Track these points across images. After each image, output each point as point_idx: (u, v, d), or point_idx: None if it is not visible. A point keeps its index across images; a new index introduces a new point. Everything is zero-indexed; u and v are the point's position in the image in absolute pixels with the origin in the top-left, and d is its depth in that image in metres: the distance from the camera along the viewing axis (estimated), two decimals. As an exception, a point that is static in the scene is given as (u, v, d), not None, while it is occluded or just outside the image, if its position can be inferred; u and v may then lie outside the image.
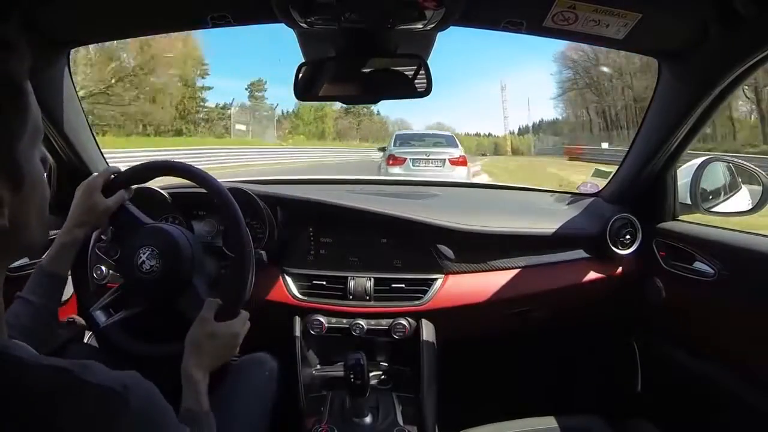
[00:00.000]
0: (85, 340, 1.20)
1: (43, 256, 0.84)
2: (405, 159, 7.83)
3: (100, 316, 0.92)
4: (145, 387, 0.44)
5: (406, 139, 8.94)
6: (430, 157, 7.84)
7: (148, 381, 0.46)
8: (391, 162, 7.92)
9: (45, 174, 0.48)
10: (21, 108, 0.43)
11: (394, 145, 8.56)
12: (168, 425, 0.47)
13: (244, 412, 0.92)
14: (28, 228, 0.46)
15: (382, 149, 9.20)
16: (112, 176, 0.91)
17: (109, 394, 0.40)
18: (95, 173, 0.90)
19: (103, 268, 1.12)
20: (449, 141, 8.94)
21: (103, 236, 1.03)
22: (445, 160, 7.80)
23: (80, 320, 1.17)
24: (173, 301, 0.90)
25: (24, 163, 0.44)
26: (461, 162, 7.82)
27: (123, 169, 0.95)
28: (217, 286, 0.97)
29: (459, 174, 7.60)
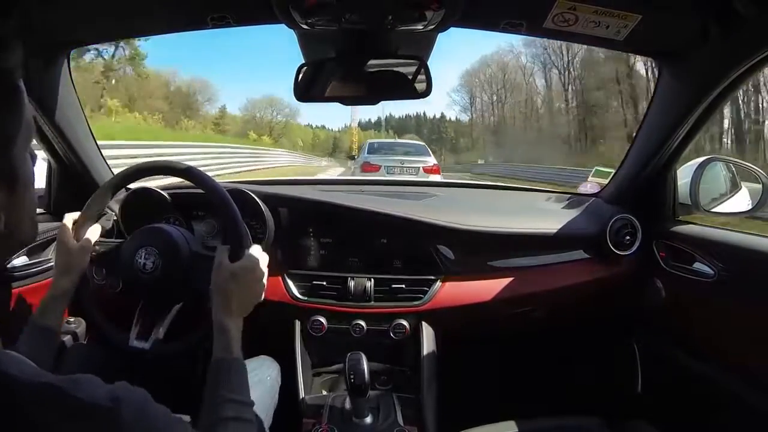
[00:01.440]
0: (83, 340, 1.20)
1: (35, 311, 0.83)
2: (379, 167, 8.05)
3: (140, 344, 0.91)
4: (136, 397, 0.44)
5: (377, 148, 9.24)
6: (404, 165, 8.09)
7: (139, 388, 0.45)
8: (365, 170, 8.12)
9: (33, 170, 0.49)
10: (17, 108, 0.43)
11: (367, 153, 8.82)
12: (166, 428, 0.46)
13: None
14: (21, 227, 0.46)
15: (352, 158, 9.56)
16: (74, 220, 0.90)
17: (100, 410, 0.40)
18: (63, 222, 0.89)
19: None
20: (420, 150, 9.24)
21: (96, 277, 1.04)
22: (419, 168, 8.05)
23: (79, 321, 1.17)
24: (190, 289, 0.90)
25: (19, 165, 0.44)
26: (434, 170, 8.12)
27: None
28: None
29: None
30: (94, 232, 0.91)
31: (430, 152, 9.17)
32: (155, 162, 0.96)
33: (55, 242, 0.88)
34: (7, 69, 0.42)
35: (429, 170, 8.07)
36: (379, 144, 9.99)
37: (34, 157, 0.49)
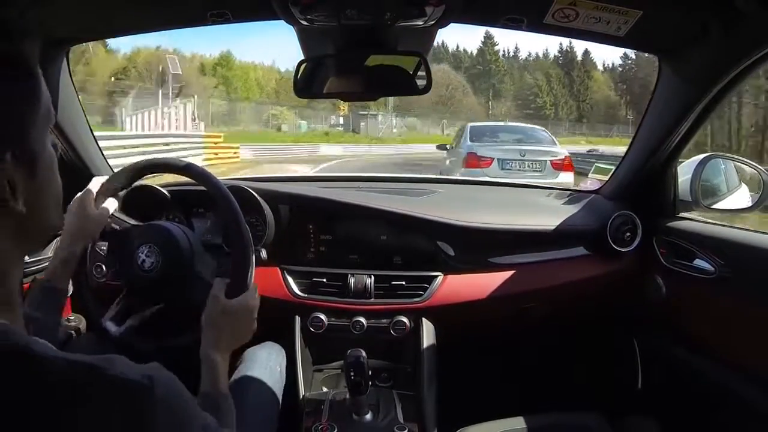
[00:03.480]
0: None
1: (43, 272, 0.85)
2: (491, 160, 5.85)
3: (112, 326, 0.91)
4: (168, 378, 0.45)
5: (483, 133, 6.70)
6: (525, 158, 5.86)
7: (169, 372, 0.46)
8: (471, 164, 5.89)
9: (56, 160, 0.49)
10: (34, 91, 0.44)
11: (470, 141, 6.35)
12: (193, 415, 0.47)
13: (255, 401, 0.93)
14: (46, 213, 0.47)
15: (443, 147, 7.26)
16: (101, 185, 0.91)
17: (136, 387, 0.41)
18: (88, 187, 0.90)
19: (104, 266, 1.12)
20: (539, 137, 6.68)
21: (100, 249, 1.03)
22: (545, 162, 5.84)
23: (80, 318, 1.18)
24: (180, 294, 0.90)
25: (38, 148, 0.45)
26: (566, 166, 5.89)
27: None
28: (219, 273, 0.97)
29: (564, 182, 5.49)
30: (111, 205, 0.92)
31: (555, 140, 6.69)
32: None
33: (74, 200, 0.88)
34: (24, 54, 0.43)
35: (558, 165, 5.78)
36: (486, 128, 7.28)
37: (56, 147, 0.49)
